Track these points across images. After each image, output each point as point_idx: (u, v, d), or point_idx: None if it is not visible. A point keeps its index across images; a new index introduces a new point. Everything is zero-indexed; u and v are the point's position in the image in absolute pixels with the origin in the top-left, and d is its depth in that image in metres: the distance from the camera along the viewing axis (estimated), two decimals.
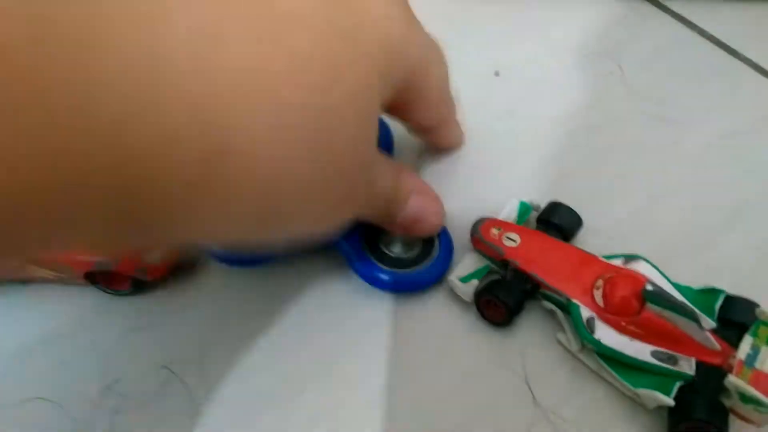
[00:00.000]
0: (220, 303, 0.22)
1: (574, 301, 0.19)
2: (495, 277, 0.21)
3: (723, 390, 0.17)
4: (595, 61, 0.31)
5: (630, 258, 0.20)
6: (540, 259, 0.20)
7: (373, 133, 0.16)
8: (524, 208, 0.22)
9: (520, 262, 0.20)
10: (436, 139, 0.25)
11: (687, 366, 0.18)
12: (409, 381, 0.20)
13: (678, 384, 0.18)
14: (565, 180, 0.25)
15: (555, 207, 0.22)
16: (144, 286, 0.22)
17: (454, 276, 0.21)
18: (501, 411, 0.19)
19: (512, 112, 0.28)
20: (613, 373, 0.19)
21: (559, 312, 0.20)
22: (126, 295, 0.22)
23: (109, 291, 0.22)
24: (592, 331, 0.19)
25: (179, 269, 0.23)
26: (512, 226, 0.22)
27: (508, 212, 0.22)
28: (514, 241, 0.21)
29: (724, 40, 0.32)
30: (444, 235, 0.22)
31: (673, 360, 0.18)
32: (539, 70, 0.30)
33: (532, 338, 0.21)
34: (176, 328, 0.22)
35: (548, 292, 0.20)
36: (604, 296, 0.19)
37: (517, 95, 0.29)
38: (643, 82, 0.30)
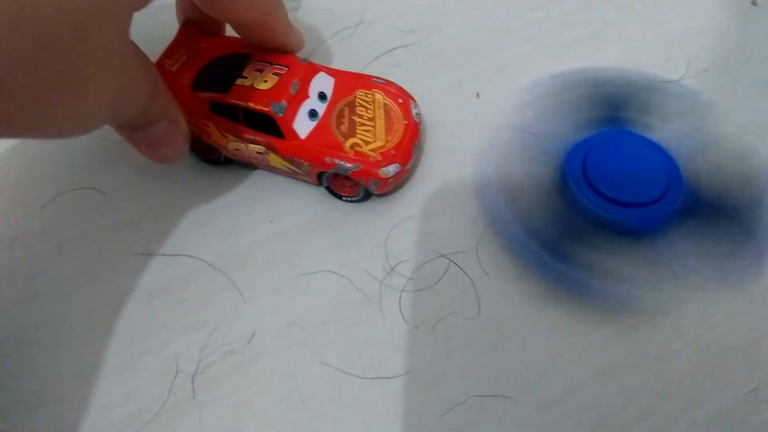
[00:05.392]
0: None
1: None
2: None
3: None
4: None
5: None
6: None
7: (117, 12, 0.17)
8: None
9: None
10: (271, 38, 0.24)
11: None
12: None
13: None
14: None
15: None
16: (368, 196, 0.24)
17: None
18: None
19: None
20: None
21: None
22: (353, 201, 0.24)
23: (336, 195, 0.24)
24: None
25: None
26: None
27: None
28: None
29: None
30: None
31: None
32: None
33: None
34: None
35: None
36: None
37: None
38: None
